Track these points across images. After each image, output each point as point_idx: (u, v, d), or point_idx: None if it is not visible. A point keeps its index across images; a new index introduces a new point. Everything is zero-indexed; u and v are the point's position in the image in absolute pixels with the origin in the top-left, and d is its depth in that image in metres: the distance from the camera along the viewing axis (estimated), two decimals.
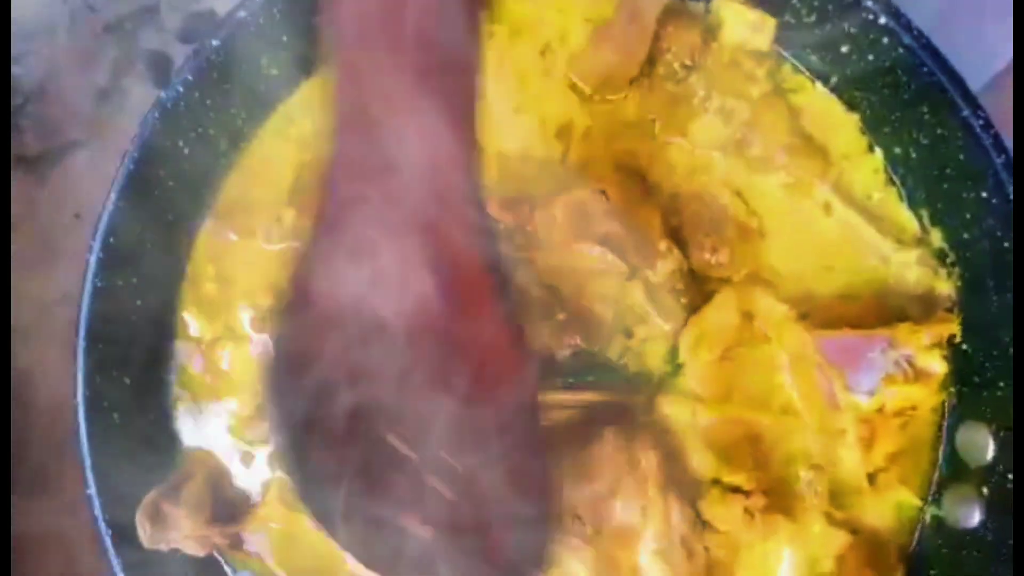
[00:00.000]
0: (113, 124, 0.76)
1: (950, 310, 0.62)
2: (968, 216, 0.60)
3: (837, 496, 0.62)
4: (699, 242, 0.64)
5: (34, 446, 0.76)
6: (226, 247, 0.65)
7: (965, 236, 0.61)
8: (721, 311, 0.62)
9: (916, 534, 0.63)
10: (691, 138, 0.64)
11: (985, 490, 0.60)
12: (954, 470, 0.62)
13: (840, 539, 0.61)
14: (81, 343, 0.60)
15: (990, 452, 0.60)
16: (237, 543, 0.64)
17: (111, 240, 0.60)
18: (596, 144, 0.65)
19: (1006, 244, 0.57)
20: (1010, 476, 0.58)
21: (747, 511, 0.60)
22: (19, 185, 0.83)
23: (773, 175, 0.64)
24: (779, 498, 0.61)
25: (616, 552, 0.59)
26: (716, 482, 0.61)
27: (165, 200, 0.63)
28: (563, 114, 0.65)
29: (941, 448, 0.63)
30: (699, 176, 0.65)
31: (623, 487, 0.58)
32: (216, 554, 0.64)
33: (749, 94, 0.64)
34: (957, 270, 0.62)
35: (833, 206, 0.64)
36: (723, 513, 0.60)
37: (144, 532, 0.60)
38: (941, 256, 0.62)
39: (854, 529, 0.62)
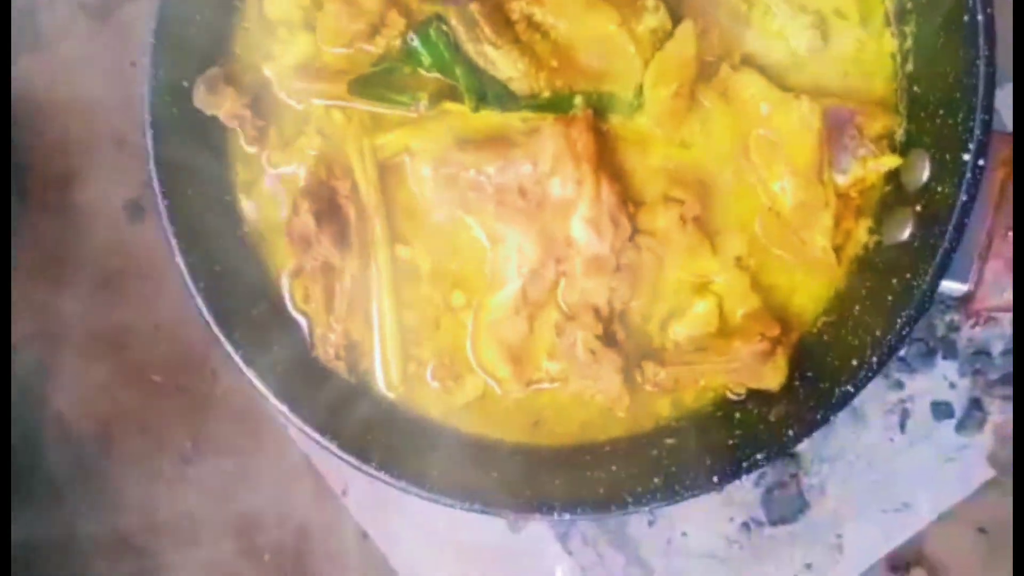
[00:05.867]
0: None
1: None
2: None
3: None
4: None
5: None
6: None
7: None
8: (681, 43, 0.68)
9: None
10: None
11: (919, 207, 0.68)
12: (896, 196, 0.70)
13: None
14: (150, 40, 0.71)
15: (926, 174, 0.68)
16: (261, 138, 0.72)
17: None
18: None
19: None
20: (939, 190, 0.66)
21: (682, 217, 0.68)
22: (81, 31, 0.90)
23: None
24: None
25: (553, 224, 0.68)
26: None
27: None
28: None
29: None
30: None
31: (561, 165, 0.67)
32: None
33: None
34: (914, 16, 0.70)
35: None
36: (659, 214, 0.68)
37: (199, 93, 0.69)
38: (900, 11, 0.71)
39: None
